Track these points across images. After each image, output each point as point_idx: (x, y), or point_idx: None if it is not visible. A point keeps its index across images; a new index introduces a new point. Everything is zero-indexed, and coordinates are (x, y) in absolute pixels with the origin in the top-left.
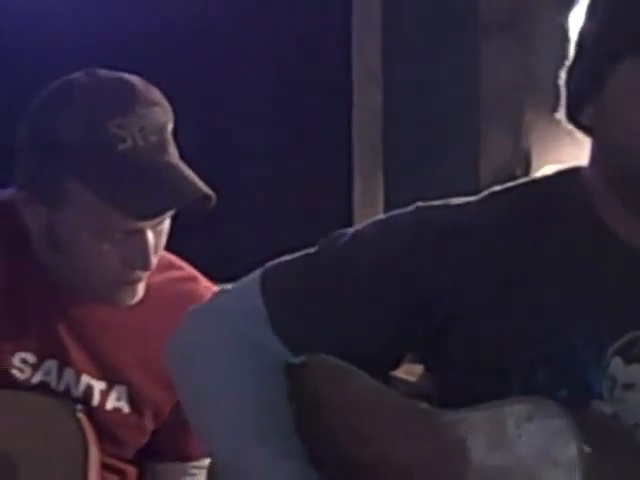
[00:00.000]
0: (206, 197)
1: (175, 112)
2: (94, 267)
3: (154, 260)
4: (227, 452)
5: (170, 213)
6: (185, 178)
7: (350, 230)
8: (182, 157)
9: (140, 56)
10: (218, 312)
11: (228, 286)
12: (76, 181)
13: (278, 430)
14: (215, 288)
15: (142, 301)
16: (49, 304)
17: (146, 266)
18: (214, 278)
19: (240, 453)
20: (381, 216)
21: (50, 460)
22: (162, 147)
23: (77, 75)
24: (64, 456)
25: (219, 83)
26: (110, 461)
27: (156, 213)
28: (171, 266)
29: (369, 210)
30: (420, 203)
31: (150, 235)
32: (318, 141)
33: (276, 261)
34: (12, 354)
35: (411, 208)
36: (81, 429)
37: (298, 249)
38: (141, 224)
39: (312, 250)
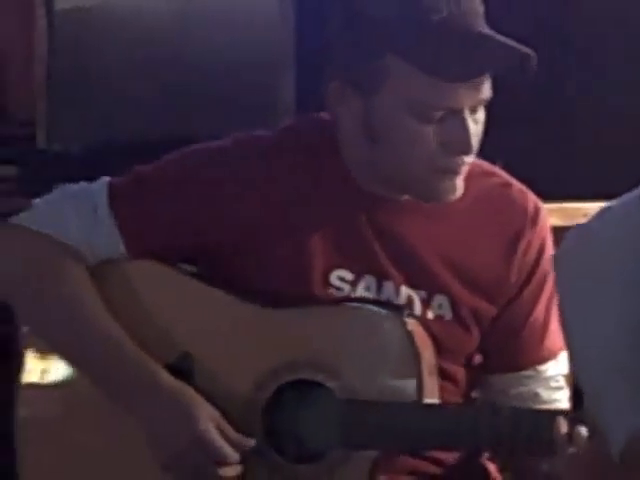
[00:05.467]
0: (524, 59)
1: None
2: (413, 153)
3: (475, 144)
4: None
5: (487, 86)
6: (501, 42)
7: None
8: None
9: None
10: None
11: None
12: (394, 57)
13: None
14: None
15: (461, 208)
16: (361, 220)
17: (467, 150)
18: None
19: None
20: None
21: (381, 367)
22: (475, 15)
23: None
24: (396, 362)
25: None
26: (441, 367)
27: (475, 74)
28: (490, 173)
29: None
30: None
31: (469, 120)
32: None
33: None
34: (329, 273)
35: None
36: (409, 333)
37: None
38: (460, 102)
39: None
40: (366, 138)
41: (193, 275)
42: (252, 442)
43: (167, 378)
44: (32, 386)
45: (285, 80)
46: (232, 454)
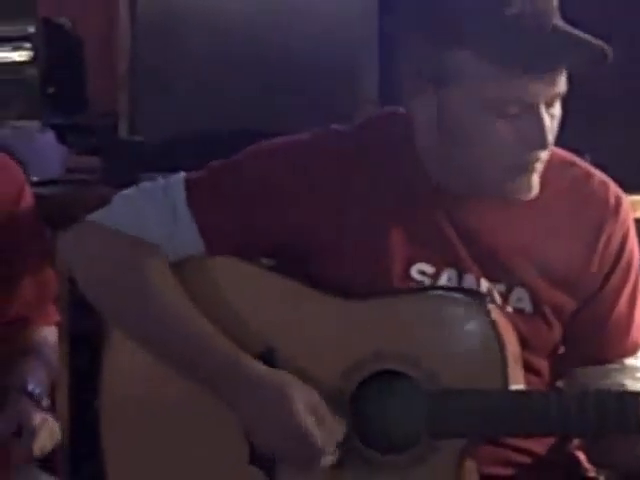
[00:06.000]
0: (599, 54)
1: None
2: (488, 150)
3: (550, 139)
4: None
5: (563, 80)
6: (577, 36)
7: None
8: None
9: None
10: None
11: None
12: (466, 51)
13: None
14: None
15: (540, 199)
16: (438, 214)
17: (543, 144)
18: None
19: None
20: None
21: (466, 355)
22: (550, 8)
23: None
24: (481, 349)
25: None
26: (524, 360)
27: (550, 67)
28: (570, 163)
29: None
30: None
31: (545, 115)
32: None
33: None
34: (410, 267)
35: None
36: (493, 321)
37: None
38: (535, 97)
39: None
40: (440, 134)
41: (273, 270)
42: (344, 428)
43: (259, 365)
44: (118, 373)
45: (368, 71)
46: (329, 443)
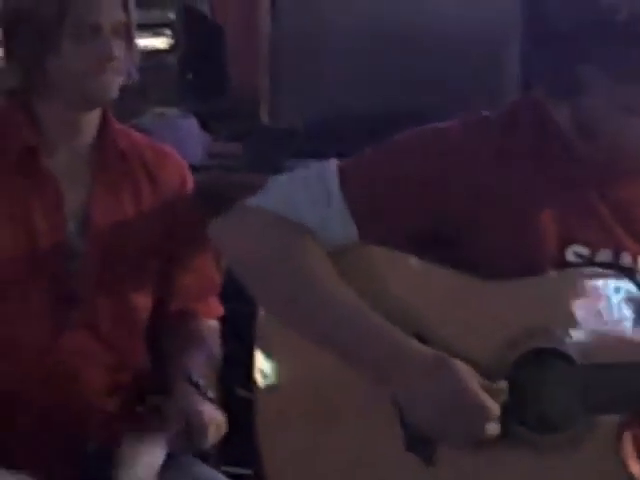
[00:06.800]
0: None
1: None
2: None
3: None
4: None
5: None
6: None
7: None
8: None
9: None
10: None
11: None
12: (585, 65)
13: None
14: None
15: None
16: (591, 195)
17: None
18: None
19: None
20: None
21: (616, 327)
22: None
23: None
24: (633, 319)
25: None
26: None
27: None
28: None
29: None
30: None
31: None
32: None
33: None
34: (564, 249)
35: None
36: None
37: None
38: None
39: None
40: (580, 134)
41: (421, 259)
42: (499, 407)
43: (421, 345)
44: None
45: (510, 56)
46: (495, 408)
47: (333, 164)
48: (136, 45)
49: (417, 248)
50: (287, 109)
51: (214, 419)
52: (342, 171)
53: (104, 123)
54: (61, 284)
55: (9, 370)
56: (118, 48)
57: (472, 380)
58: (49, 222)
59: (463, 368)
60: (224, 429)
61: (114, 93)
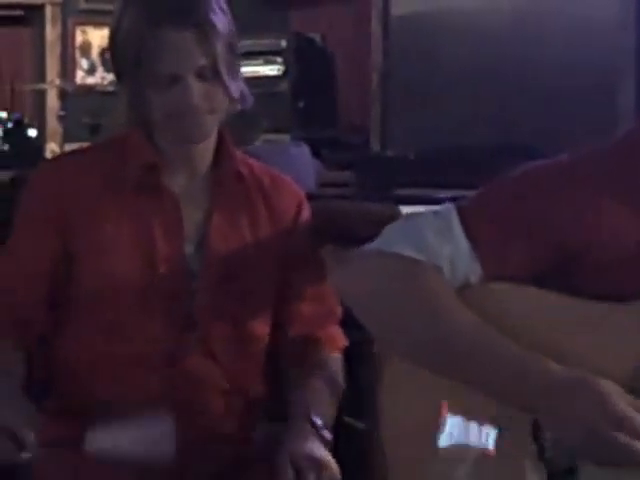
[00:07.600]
0: None
1: None
2: None
3: None
4: None
5: None
6: None
7: None
8: None
9: None
10: None
11: None
12: None
13: None
14: None
15: None
16: None
17: None
18: None
19: None
20: None
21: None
22: None
23: None
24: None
25: None
26: None
27: None
28: None
29: None
30: None
31: None
32: None
33: None
34: None
35: None
36: None
37: None
38: None
39: None
40: None
41: (547, 290)
42: None
43: (556, 365)
44: (392, 391)
45: (625, 84)
46: None
47: (451, 207)
48: (241, 75)
49: (536, 279)
50: (398, 138)
51: (327, 465)
52: (462, 212)
53: (221, 147)
54: (180, 306)
55: (127, 391)
56: (204, 90)
57: (620, 399)
58: (169, 242)
59: (611, 386)
60: (337, 476)
61: (206, 132)
